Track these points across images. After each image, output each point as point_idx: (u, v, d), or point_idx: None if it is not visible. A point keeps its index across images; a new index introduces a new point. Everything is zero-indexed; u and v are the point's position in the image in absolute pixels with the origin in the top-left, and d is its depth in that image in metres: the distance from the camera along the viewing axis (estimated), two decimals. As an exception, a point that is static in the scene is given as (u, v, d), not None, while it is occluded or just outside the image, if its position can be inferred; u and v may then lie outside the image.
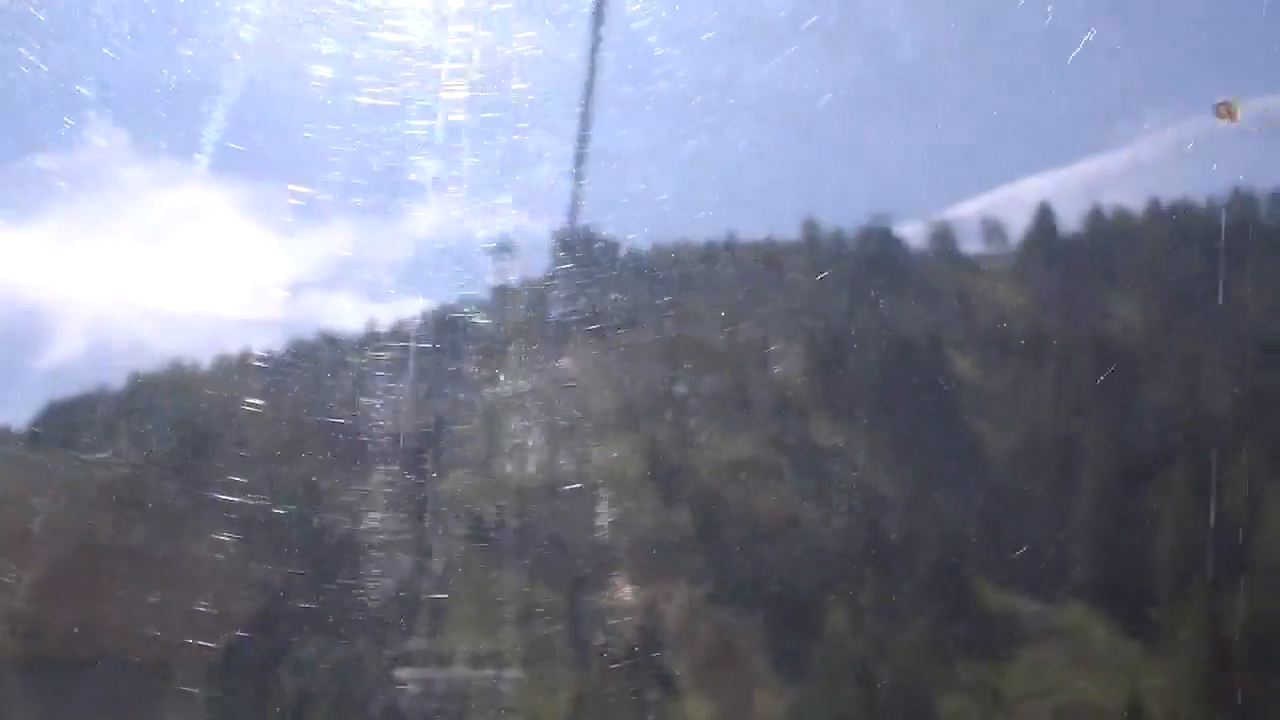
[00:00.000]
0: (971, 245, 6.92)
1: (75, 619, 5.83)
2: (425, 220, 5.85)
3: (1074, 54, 5.98)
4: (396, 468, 5.77)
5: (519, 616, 6.08)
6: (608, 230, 6.06)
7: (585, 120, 5.86)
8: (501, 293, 6.09)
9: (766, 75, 6.18)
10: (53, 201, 5.76)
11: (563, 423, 6.06)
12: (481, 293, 6.10)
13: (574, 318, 5.97)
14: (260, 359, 5.93)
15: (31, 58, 5.48)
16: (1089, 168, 6.78)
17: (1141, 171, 6.62)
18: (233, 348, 6.13)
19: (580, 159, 5.90)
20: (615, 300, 6.02)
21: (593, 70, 5.81)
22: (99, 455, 5.91)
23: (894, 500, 6.61)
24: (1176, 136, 6.18)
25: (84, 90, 5.50)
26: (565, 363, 6.00)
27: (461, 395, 6.04)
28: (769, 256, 6.56)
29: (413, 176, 5.67)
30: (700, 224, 6.46)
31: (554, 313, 5.99)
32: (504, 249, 6.00)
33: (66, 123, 5.55)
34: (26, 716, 5.99)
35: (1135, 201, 6.75)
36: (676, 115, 6.03)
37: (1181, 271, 6.24)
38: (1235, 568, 6.50)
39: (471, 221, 5.83)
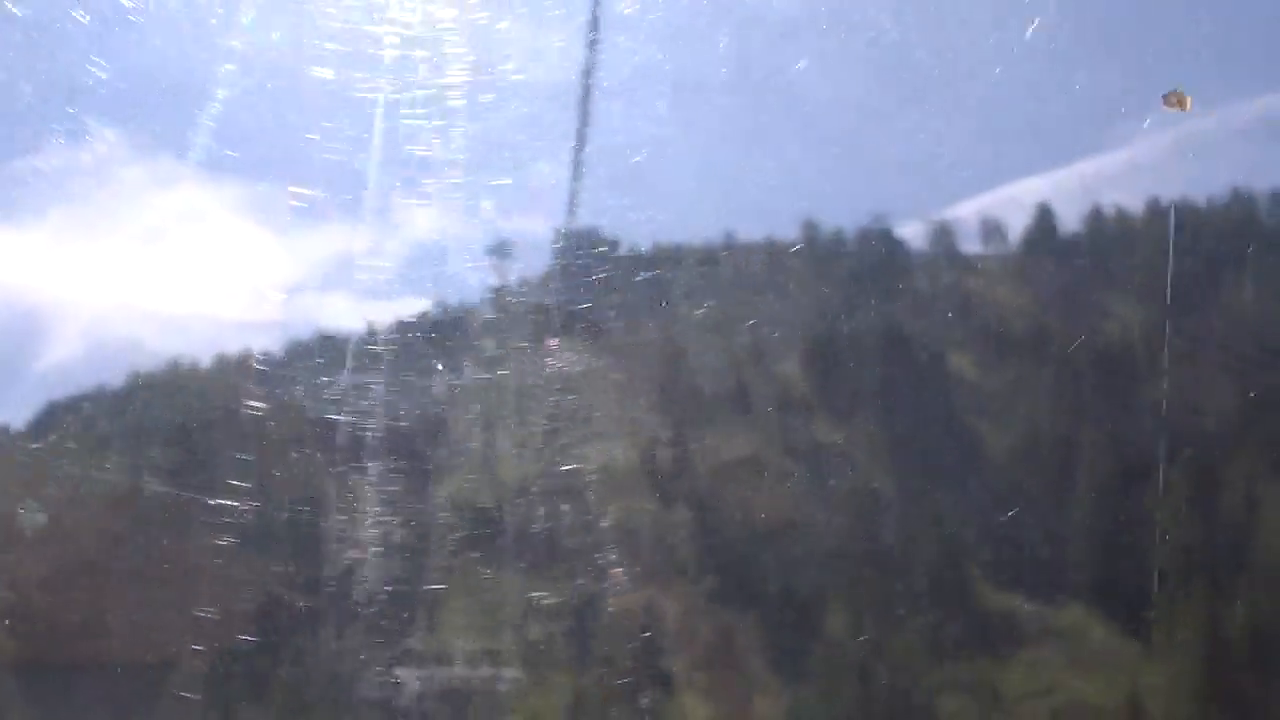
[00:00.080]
0: (971, 245, 6.92)
1: (71, 620, 5.83)
2: (423, 220, 5.85)
3: (1073, 54, 5.98)
4: (394, 467, 5.77)
5: (517, 616, 6.09)
6: (606, 230, 6.06)
7: (584, 120, 5.86)
8: (499, 292, 6.09)
9: (766, 74, 6.18)
10: (50, 202, 5.77)
11: (561, 422, 6.06)
12: (479, 292, 6.11)
13: (573, 317, 5.97)
14: (258, 359, 5.93)
15: (29, 58, 5.48)
16: (1088, 168, 6.78)
17: (1140, 172, 6.61)
18: (231, 348, 6.13)
19: (579, 158, 5.90)
20: (614, 300, 6.02)
21: (592, 70, 5.81)
22: (96, 456, 5.91)
23: (893, 500, 6.61)
24: (1175, 137, 6.17)
25: (80, 91, 5.50)
26: (564, 362, 6.00)
27: (459, 395, 6.03)
28: (767, 256, 6.55)
29: (410, 177, 5.67)
30: (699, 222, 6.46)
31: (552, 312, 5.99)
32: (502, 249, 6.00)
33: (63, 123, 5.55)
34: (19, 718, 5.99)
35: (1134, 202, 6.74)
36: (676, 115, 6.03)
37: (1180, 272, 6.23)
38: (1234, 568, 6.50)
39: (469, 221, 5.84)
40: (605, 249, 6.01)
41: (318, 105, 5.56)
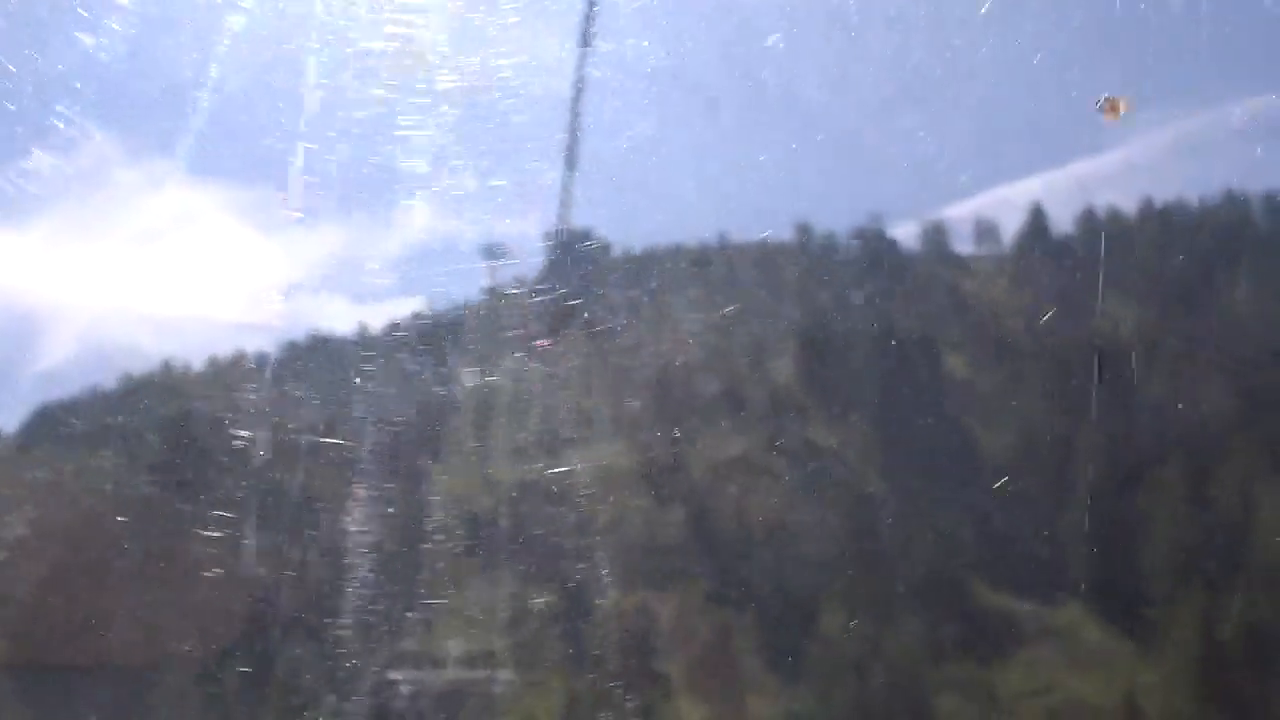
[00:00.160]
0: (966, 245, 6.93)
1: (67, 622, 5.83)
2: (417, 221, 5.85)
3: (1069, 55, 5.98)
4: (390, 468, 5.77)
5: (512, 618, 6.08)
6: (601, 230, 6.06)
7: (578, 121, 5.85)
8: (494, 293, 6.09)
9: (760, 75, 6.18)
10: (45, 205, 5.76)
11: (556, 423, 6.05)
12: (474, 293, 6.11)
13: (567, 317, 5.96)
14: (253, 361, 5.93)
15: (25, 60, 5.48)
16: (1083, 168, 6.78)
17: (1136, 172, 6.62)
18: (225, 349, 6.13)
19: (573, 159, 5.90)
20: (608, 300, 6.02)
21: (585, 71, 5.81)
22: (91, 457, 5.91)
23: (889, 500, 6.61)
24: (1171, 137, 6.18)
25: (75, 93, 5.50)
26: (558, 363, 5.99)
27: (455, 396, 6.03)
28: (762, 256, 6.55)
29: (404, 178, 5.67)
30: (694, 222, 6.46)
31: (547, 312, 5.98)
32: (496, 249, 6.00)
33: (59, 126, 5.55)
34: (18, 719, 5.99)
35: (1129, 202, 6.75)
36: (671, 115, 6.03)
37: (1176, 272, 6.24)
38: (1231, 567, 6.50)
39: (463, 222, 5.83)
40: (600, 249, 6.01)
41: (312, 108, 5.56)
